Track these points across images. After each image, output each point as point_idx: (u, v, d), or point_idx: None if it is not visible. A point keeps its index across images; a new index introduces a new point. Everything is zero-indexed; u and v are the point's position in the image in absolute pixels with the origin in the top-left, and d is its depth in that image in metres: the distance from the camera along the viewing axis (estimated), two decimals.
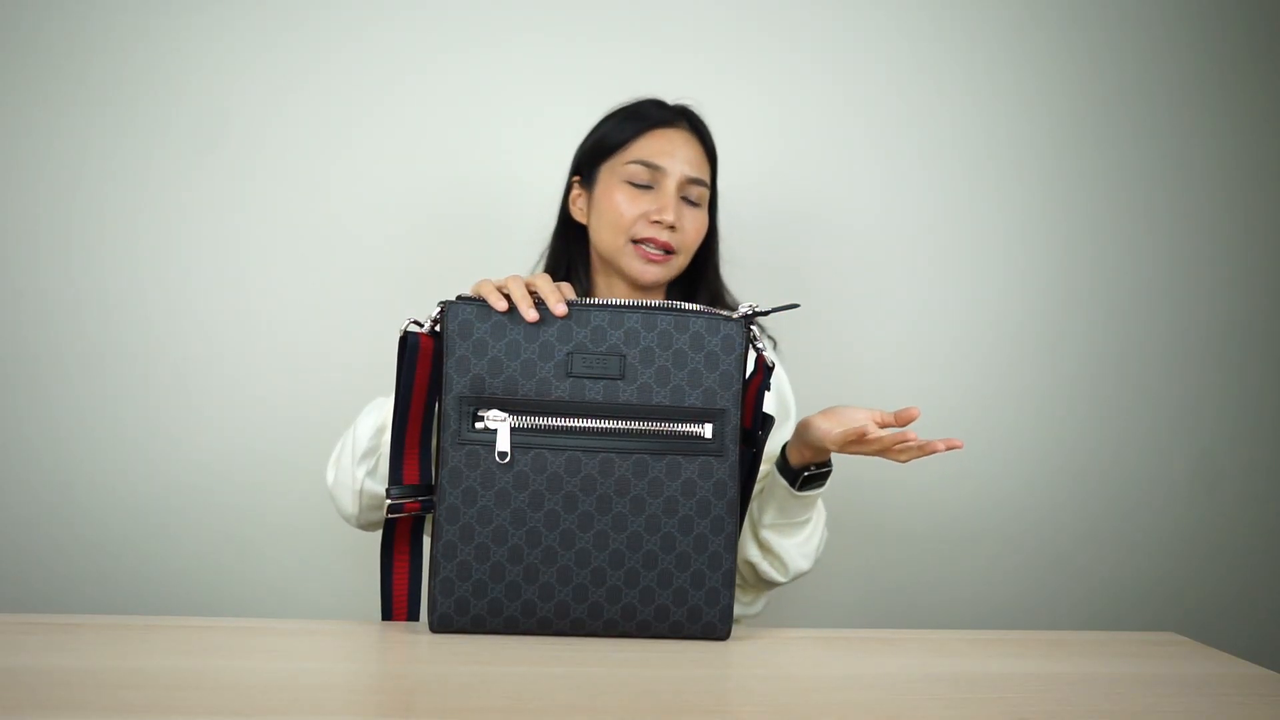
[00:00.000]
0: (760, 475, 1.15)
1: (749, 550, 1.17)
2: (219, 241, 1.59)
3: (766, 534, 1.16)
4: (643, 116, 1.22)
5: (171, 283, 1.58)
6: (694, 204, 1.20)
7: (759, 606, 1.26)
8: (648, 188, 1.18)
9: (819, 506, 1.17)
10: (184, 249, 1.58)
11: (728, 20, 1.68)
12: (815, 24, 1.70)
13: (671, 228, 1.17)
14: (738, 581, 1.23)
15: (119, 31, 1.55)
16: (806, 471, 1.11)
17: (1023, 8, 1.75)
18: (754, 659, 0.91)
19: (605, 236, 1.19)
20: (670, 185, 1.17)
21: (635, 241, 1.17)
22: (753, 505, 1.17)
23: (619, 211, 1.17)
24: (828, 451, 1.08)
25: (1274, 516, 1.84)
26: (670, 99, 1.26)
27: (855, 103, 1.71)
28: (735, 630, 0.97)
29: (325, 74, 1.60)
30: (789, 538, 1.16)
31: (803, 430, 1.08)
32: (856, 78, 1.71)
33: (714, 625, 0.94)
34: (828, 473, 1.12)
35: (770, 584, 1.20)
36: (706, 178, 1.21)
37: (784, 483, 1.12)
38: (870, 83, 1.72)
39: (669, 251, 1.18)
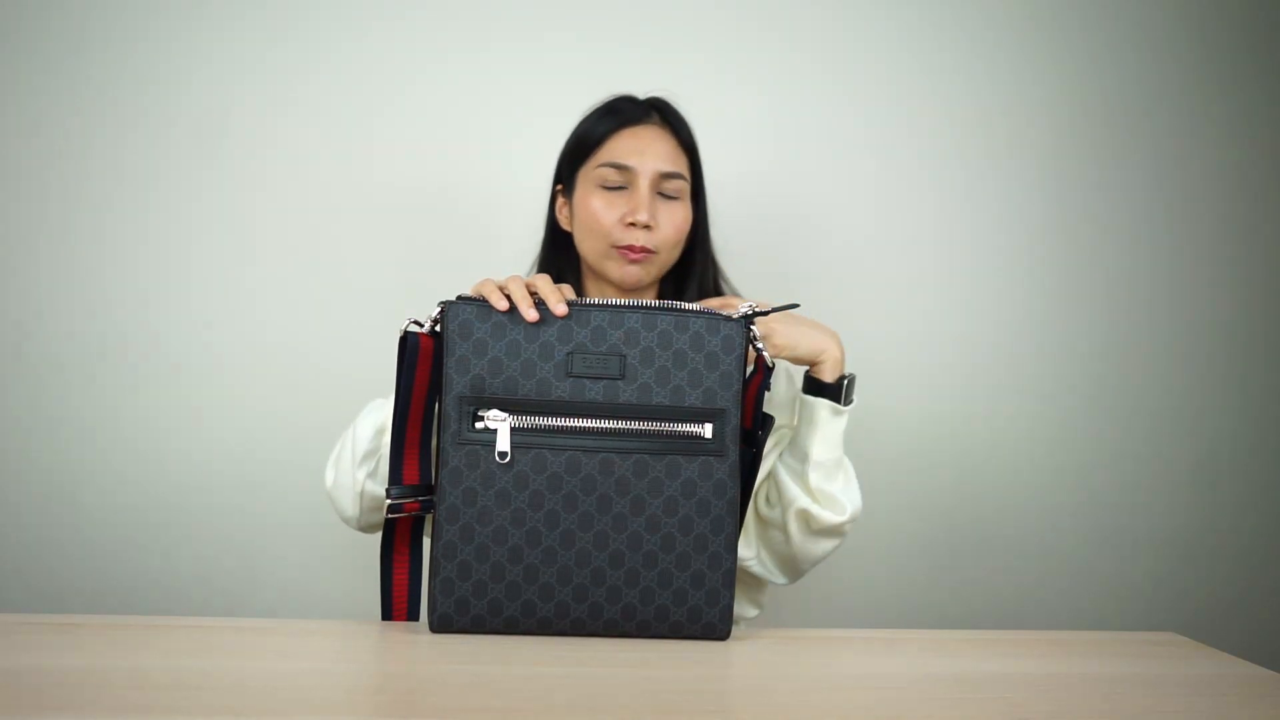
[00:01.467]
0: (761, 478, 1.14)
1: (800, 500, 1.12)
2: (218, 244, 1.59)
3: (815, 478, 1.11)
4: (613, 115, 1.20)
5: (172, 284, 1.58)
6: (672, 198, 1.18)
7: (756, 609, 1.26)
8: (622, 189, 1.17)
9: (845, 461, 1.14)
10: (183, 251, 1.58)
11: (726, 20, 1.68)
12: (815, 24, 1.70)
13: (647, 227, 1.15)
14: (785, 548, 1.16)
15: (119, 37, 1.56)
16: (844, 377, 1.11)
17: (1023, 8, 1.75)
18: (754, 659, 0.91)
19: (587, 244, 1.19)
20: (643, 185, 1.16)
21: (616, 248, 1.16)
22: (787, 463, 1.14)
23: (596, 219, 1.17)
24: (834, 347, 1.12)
25: (1274, 517, 1.84)
26: (643, 93, 1.23)
27: (854, 103, 1.71)
28: (735, 630, 0.97)
29: (324, 78, 1.60)
30: (834, 483, 1.12)
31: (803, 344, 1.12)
32: (855, 78, 1.71)
33: (714, 625, 0.94)
34: (853, 378, 1.13)
35: (827, 533, 1.13)
36: (683, 170, 1.19)
37: (826, 401, 1.10)
38: (869, 83, 1.72)
39: (649, 251, 1.16)
